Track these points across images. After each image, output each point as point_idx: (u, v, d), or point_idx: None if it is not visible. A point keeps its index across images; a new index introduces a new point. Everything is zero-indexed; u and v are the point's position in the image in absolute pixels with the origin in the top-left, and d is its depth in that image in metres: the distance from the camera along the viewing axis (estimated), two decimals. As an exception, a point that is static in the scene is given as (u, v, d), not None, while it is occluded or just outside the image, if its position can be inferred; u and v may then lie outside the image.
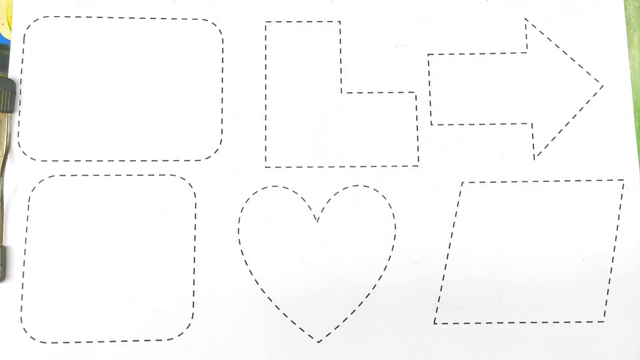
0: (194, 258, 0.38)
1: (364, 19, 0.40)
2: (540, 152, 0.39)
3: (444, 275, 0.38)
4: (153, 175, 0.38)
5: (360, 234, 0.38)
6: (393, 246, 0.38)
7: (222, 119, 0.39)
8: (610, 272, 0.38)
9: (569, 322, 0.38)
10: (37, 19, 0.39)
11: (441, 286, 0.38)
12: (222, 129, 0.39)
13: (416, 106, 0.40)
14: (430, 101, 0.40)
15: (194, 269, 0.37)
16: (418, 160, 0.39)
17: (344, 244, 0.38)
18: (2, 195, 0.37)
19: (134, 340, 0.37)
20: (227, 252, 0.38)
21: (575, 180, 0.39)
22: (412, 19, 0.40)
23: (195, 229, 0.38)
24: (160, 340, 0.37)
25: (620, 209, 0.39)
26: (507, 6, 0.41)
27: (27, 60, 0.39)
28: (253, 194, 0.38)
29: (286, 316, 0.37)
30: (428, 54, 0.40)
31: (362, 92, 0.40)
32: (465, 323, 0.38)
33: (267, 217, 0.38)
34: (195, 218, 0.38)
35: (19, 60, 0.39)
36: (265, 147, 0.39)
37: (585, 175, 0.39)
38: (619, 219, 0.38)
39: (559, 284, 0.38)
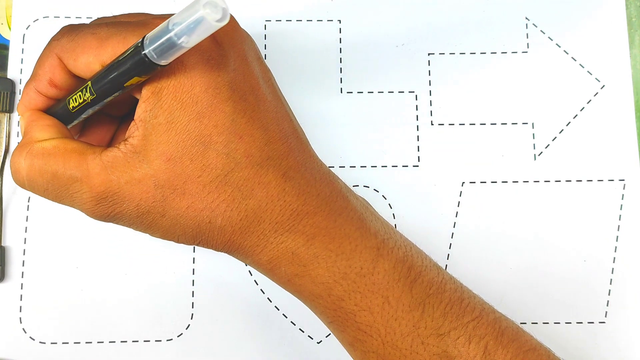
0: (194, 259, 0.38)
1: (364, 19, 0.40)
2: (541, 152, 0.39)
3: (444, 276, 0.38)
4: (153, 175, 0.38)
5: (360, 234, 0.38)
6: (393, 246, 0.38)
7: (221, 119, 0.39)
8: (612, 272, 0.38)
9: (570, 322, 0.37)
10: (37, 19, 0.39)
11: (441, 287, 0.38)
12: (221, 129, 0.39)
13: (416, 106, 0.39)
14: (430, 101, 0.39)
15: (194, 269, 0.37)
16: (418, 160, 0.39)
17: (344, 244, 0.38)
18: (2, 195, 0.37)
19: (133, 341, 0.37)
20: (227, 253, 0.38)
21: (576, 181, 0.39)
22: (412, 19, 0.40)
23: (194, 229, 0.38)
24: (160, 340, 0.37)
25: (621, 209, 0.38)
26: (508, 5, 0.40)
27: (26, 60, 0.39)
28: (253, 194, 0.38)
29: (286, 317, 0.37)
30: (428, 54, 0.40)
31: (362, 92, 0.39)
32: (465, 324, 0.37)
33: (267, 217, 0.38)
34: (194, 218, 0.38)
35: (18, 60, 0.39)
36: (265, 147, 0.39)
37: (586, 175, 0.39)
38: (620, 219, 0.38)
39: (560, 285, 0.38)
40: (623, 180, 0.39)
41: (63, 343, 0.36)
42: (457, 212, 0.38)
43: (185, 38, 0.23)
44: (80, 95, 0.27)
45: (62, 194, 0.27)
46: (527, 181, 0.39)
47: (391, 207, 0.38)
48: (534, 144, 0.39)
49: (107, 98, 0.26)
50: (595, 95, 0.40)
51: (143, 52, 0.23)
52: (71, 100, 0.28)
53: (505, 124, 0.39)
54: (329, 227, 0.27)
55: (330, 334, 0.37)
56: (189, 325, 0.37)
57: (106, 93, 0.26)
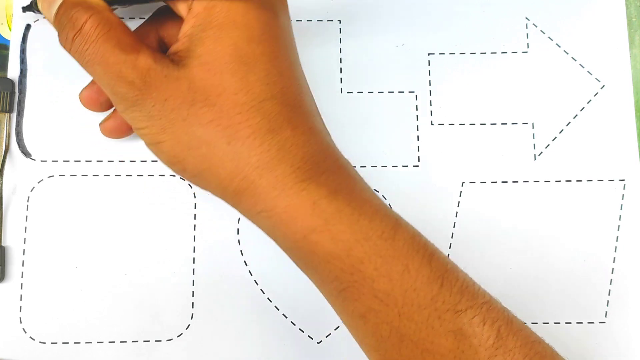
0: (194, 258, 0.38)
1: (364, 19, 0.40)
2: (541, 152, 0.39)
3: (444, 276, 0.38)
4: (153, 175, 0.38)
5: (360, 234, 0.38)
6: (393, 246, 0.38)
7: (221, 119, 0.39)
8: (612, 272, 0.38)
9: (570, 322, 0.37)
10: (37, 19, 0.39)
11: (441, 287, 0.38)
12: (221, 129, 0.39)
13: (416, 106, 0.39)
14: (430, 101, 0.39)
15: (194, 269, 0.37)
16: (418, 160, 0.39)
17: (344, 244, 0.38)
18: (2, 195, 0.37)
19: (133, 341, 0.37)
20: (227, 253, 0.38)
21: (577, 181, 0.39)
22: (412, 19, 0.40)
23: (195, 229, 0.38)
24: (160, 340, 0.37)
25: (621, 209, 0.38)
26: (508, 5, 0.40)
27: (26, 60, 0.39)
28: (253, 194, 0.38)
29: (286, 317, 0.37)
30: (428, 54, 0.40)
31: (362, 92, 0.39)
32: (465, 324, 0.37)
33: (267, 217, 0.38)
34: (195, 218, 0.38)
35: (18, 60, 0.39)
36: (265, 147, 0.39)
37: (586, 175, 0.39)
38: (620, 219, 0.38)
39: (560, 285, 0.38)
40: (623, 180, 0.39)
41: (63, 343, 0.36)
42: (457, 212, 0.38)
43: None
44: None
45: (106, 61, 0.27)
46: (527, 181, 0.39)
47: (391, 207, 0.38)
48: (534, 144, 0.39)
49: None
50: (595, 95, 0.40)
51: None
52: None
53: (505, 124, 0.39)
54: (350, 187, 0.27)
55: (330, 334, 0.37)
56: (189, 325, 0.37)
57: None
